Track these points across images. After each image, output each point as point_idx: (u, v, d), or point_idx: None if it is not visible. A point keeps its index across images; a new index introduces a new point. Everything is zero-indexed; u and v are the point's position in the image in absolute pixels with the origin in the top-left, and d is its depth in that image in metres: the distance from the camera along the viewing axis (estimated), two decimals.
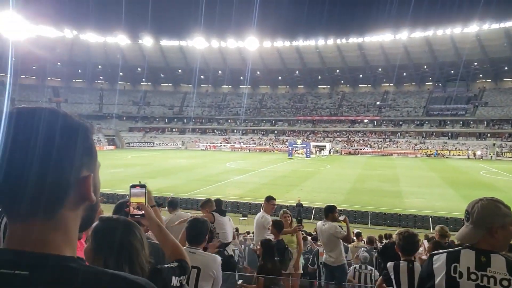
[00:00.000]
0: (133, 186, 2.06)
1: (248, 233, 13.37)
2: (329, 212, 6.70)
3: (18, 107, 0.79)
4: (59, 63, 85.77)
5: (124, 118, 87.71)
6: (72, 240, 0.82)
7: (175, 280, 1.90)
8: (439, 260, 1.97)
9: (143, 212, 2.02)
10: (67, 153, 0.78)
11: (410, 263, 3.54)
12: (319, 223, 6.82)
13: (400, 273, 3.50)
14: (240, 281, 6.16)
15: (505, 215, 1.91)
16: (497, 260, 1.84)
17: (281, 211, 6.96)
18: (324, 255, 6.67)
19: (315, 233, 13.87)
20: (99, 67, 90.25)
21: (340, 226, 6.74)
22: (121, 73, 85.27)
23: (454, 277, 1.87)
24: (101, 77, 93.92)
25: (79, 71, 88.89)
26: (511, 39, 66.69)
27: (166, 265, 1.94)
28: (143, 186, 2.05)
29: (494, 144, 64.15)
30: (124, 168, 38.33)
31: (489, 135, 67.46)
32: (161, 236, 2.08)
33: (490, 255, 1.86)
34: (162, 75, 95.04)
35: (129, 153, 61.05)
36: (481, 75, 76.96)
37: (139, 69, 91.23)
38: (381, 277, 4.04)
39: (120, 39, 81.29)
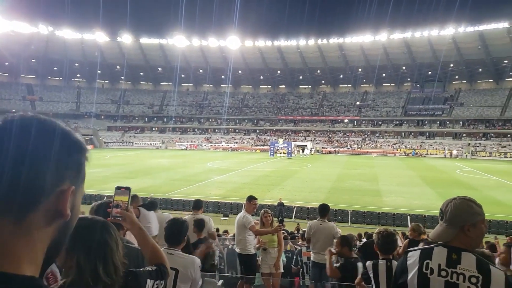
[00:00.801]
0: (118, 188, 2.06)
1: (226, 231, 13.29)
2: (326, 212, 6.75)
3: (21, 115, 0.79)
4: (33, 60, 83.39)
5: (103, 117, 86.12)
6: (37, 258, 0.77)
7: (150, 283, 1.85)
8: (413, 256, 2.03)
9: (123, 216, 2.01)
10: (49, 158, 0.76)
11: (389, 262, 3.57)
12: (314, 222, 6.78)
13: (378, 272, 3.53)
14: (220, 282, 6.09)
15: (477, 213, 1.97)
16: (468, 258, 1.90)
17: (262, 211, 6.90)
18: (314, 255, 6.63)
19: (296, 232, 13.90)
20: (76, 64, 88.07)
21: None
22: (99, 71, 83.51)
23: (425, 273, 1.93)
24: (78, 75, 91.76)
25: (55, 68, 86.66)
26: (485, 42, 68.62)
27: (142, 269, 1.90)
28: (127, 188, 2.05)
29: (469, 144, 65.91)
30: (102, 168, 37.56)
31: (464, 134, 69.32)
32: (142, 239, 2.07)
33: (461, 252, 1.92)
34: (141, 73, 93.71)
35: (108, 152, 59.97)
36: (457, 77, 78.95)
37: (118, 67, 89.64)
38: (360, 275, 4.06)
39: (98, 36, 79.70)
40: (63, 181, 0.79)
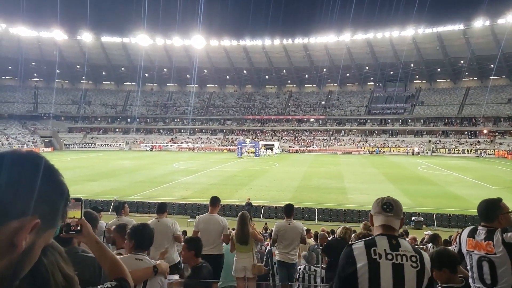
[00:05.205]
0: None
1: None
2: (292, 211, 6.74)
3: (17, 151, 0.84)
4: None
5: (63, 118, 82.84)
6: None
7: None
8: (359, 247, 2.26)
9: (79, 228, 1.86)
10: (21, 185, 0.76)
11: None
12: (282, 222, 6.72)
13: None
14: None
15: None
16: (404, 243, 2.28)
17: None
18: (281, 254, 6.56)
19: (264, 231, 13.76)
20: (33, 63, 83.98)
21: None
22: (58, 71, 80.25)
23: (374, 258, 2.19)
24: (35, 75, 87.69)
25: (10, 67, 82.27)
26: (443, 43, 71.56)
27: (99, 286, 1.71)
28: (78, 200, 1.89)
29: (430, 141, 68.48)
30: (62, 171, 35.70)
31: (425, 132, 71.98)
32: (99, 252, 1.94)
33: (398, 239, 2.27)
34: (103, 73, 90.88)
35: (69, 155, 57.69)
36: (417, 76, 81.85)
37: (78, 66, 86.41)
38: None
39: (56, 34, 76.40)
40: (28, 213, 0.76)
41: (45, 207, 0.79)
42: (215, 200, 6.72)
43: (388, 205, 2.37)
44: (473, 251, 3.16)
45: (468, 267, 3.23)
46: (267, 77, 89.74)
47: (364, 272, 2.17)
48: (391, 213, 2.33)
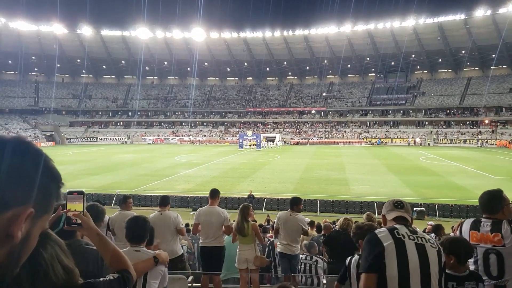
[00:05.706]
0: (70, 193, 1.91)
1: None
2: (295, 204, 6.77)
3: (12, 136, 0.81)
4: None
5: (64, 112, 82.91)
6: None
7: None
8: (382, 232, 2.48)
9: (80, 221, 1.89)
10: (14, 173, 0.73)
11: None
12: (284, 213, 6.77)
13: (351, 267, 3.43)
14: (190, 278, 5.87)
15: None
16: (419, 230, 2.62)
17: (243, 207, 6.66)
18: (282, 246, 6.61)
19: (266, 223, 13.82)
20: (33, 58, 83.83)
21: None
22: (58, 65, 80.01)
23: (399, 238, 2.41)
24: (35, 69, 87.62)
25: (10, 62, 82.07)
26: (444, 33, 71.10)
27: (101, 278, 1.71)
28: (81, 192, 1.92)
29: (431, 132, 68.36)
30: (64, 165, 36.09)
31: (426, 123, 71.79)
32: (101, 245, 1.96)
33: (413, 226, 2.60)
34: (104, 66, 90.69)
35: (70, 149, 57.81)
36: (418, 67, 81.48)
37: (78, 60, 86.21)
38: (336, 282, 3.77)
39: (55, 28, 76.16)
40: (21, 202, 0.74)
41: (38, 194, 0.77)
42: (214, 192, 6.77)
43: (399, 203, 2.72)
44: (478, 244, 3.09)
45: (472, 260, 3.15)
46: (268, 69, 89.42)
47: (391, 249, 2.37)
48: (403, 209, 2.67)
